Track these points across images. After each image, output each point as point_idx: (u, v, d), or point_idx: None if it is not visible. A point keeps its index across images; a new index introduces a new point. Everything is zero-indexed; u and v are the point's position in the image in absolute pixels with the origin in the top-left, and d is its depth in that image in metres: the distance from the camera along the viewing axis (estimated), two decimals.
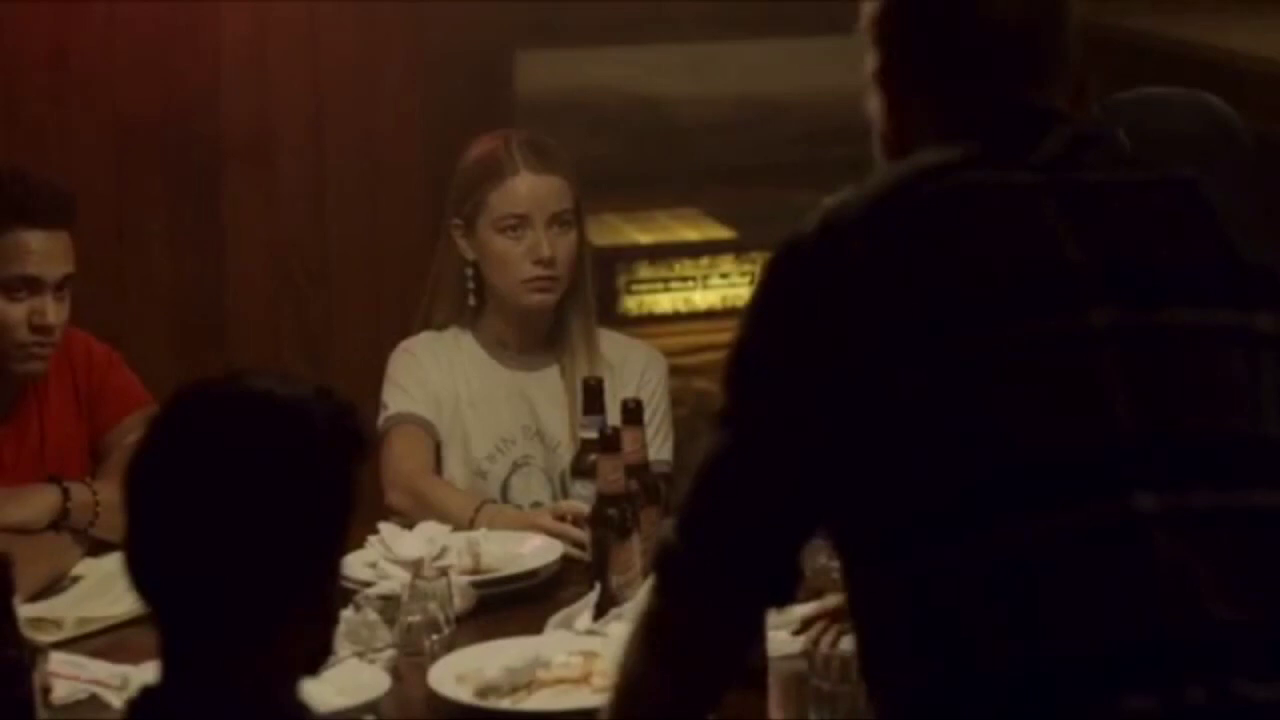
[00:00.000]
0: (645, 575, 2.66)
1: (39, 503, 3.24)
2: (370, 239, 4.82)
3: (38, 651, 2.62)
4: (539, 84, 5.82)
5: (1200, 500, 1.91)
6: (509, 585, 3.15)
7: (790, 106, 7.19)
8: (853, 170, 2.10)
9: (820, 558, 2.78)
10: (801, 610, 2.73)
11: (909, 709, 1.95)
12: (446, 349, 3.62)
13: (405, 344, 3.65)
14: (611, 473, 3.04)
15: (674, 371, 3.85)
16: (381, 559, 3.12)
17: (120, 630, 3.00)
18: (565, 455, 3.55)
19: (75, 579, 3.20)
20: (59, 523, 3.24)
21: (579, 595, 3.02)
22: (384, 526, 3.20)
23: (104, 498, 3.22)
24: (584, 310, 3.61)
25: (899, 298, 1.94)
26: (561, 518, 3.32)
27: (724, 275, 6.95)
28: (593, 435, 3.22)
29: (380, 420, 3.55)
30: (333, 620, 2.03)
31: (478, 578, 3.14)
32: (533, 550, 3.26)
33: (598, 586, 2.99)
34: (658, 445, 3.50)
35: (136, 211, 4.68)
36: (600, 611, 2.95)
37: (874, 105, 2.14)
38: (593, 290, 3.64)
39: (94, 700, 2.76)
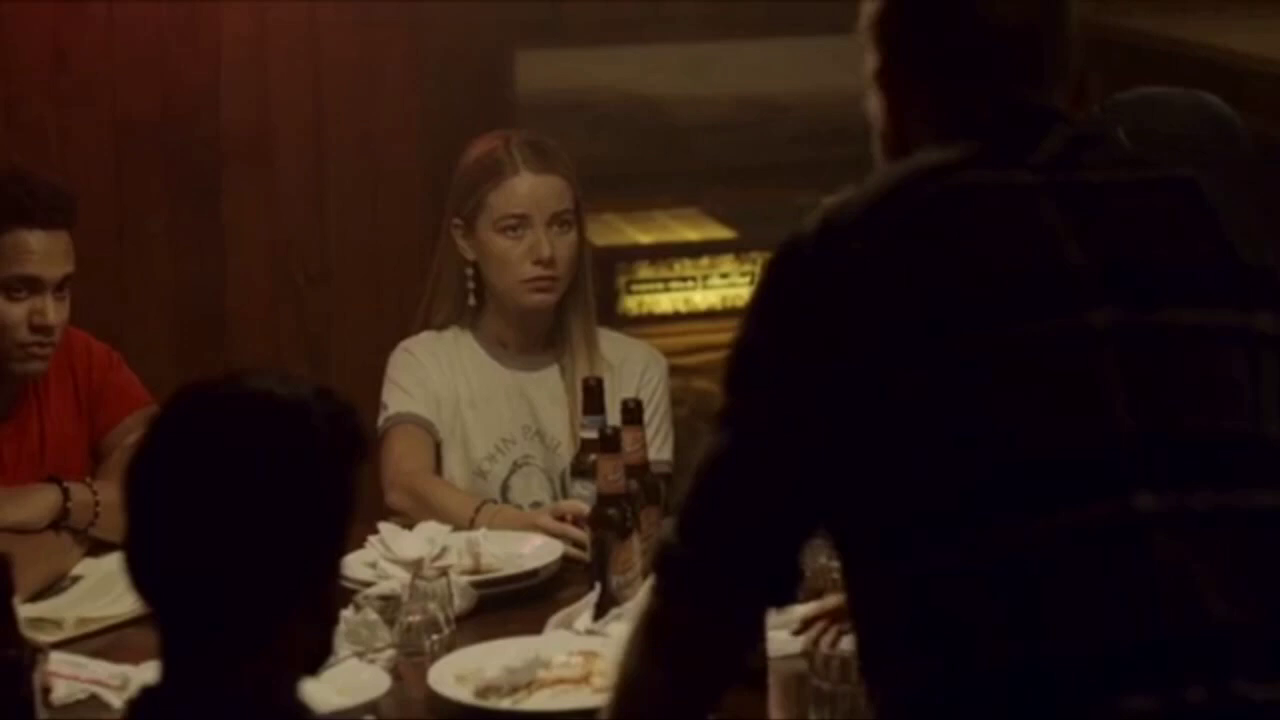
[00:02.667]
0: (645, 575, 2.66)
1: (39, 503, 3.24)
2: (370, 239, 4.82)
3: (38, 651, 2.61)
4: (539, 84, 5.82)
5: (1200, 500, 1.91)
6: (509, 585, 3.15)
7: (790, 106, 7.18)
8: (853, 170, 2.10)
9: (820, 558, 2.79)
10: (801, 610, 2.73)
11: (909, 709, 1.95)
12: (446, 349, 3.61)
13: (405, 344, 3.64)
14: (611, 473, 3.03)
15: (674, 371, 3.85)
16: (381, 559, 3.12)
17: (120, 630, 3.00)
18: (565, 455, 3.54)
19: (75, 579, 3.20)
20: (59, 523, 3.24)
21: (579, 595, 3.02)
22: (384, 526, 3.20)
23: (104, 498, 3.21)
24: (584, 310, 3.61)
25: (899, 298, 1.94)
26: (561, 517, 3.31)
27: (724, 275, 6.94)
28: (593, 435, 3.22)
29: (380, 420, 3.55)
30: (333, 620, 2.03)
31: (478, 578, 3.14)
32: (533, 550, 3.25)
33: (598, 586, 2.98)
34: (658, 445, 3.50)
35: (136, 211, 4.68)
36: (600, 611, 2.95)
37: (874, 105, 2.14)
38: (593, 290, 3.64)
39: (94, 700, 2.76)
